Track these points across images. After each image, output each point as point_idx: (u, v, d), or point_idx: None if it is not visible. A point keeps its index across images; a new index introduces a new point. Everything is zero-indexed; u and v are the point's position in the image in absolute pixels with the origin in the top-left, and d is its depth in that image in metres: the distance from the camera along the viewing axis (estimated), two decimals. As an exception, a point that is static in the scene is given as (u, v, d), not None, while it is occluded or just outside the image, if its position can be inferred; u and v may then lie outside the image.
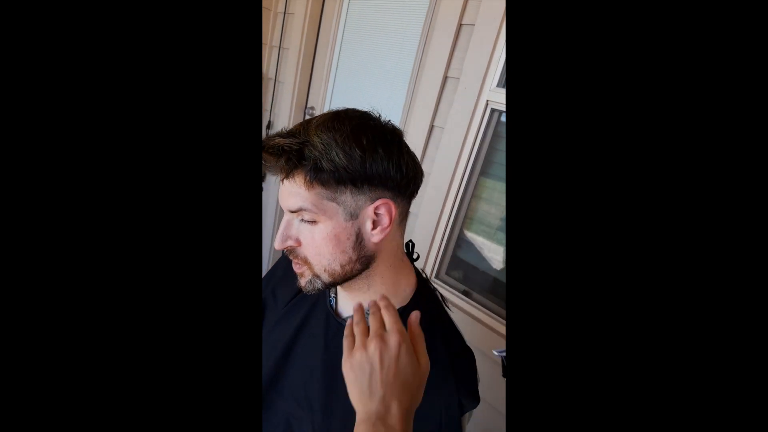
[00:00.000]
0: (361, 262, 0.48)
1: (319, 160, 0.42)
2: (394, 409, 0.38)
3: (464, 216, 1.19)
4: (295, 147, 0.42)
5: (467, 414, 0.49)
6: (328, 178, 0.43)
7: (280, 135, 0.45)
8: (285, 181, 0.45)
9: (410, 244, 0.59)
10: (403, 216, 0.51)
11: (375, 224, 0.46)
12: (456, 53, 1.14)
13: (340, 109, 0.47)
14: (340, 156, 0.42)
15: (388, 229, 0.46)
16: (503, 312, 1.11)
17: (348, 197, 0.45)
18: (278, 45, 1.68)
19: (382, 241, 0.47)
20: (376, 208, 0.45)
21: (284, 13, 1.64)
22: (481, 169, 1.14)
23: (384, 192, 0.46)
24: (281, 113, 1.74)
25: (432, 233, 1.21)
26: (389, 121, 0.49)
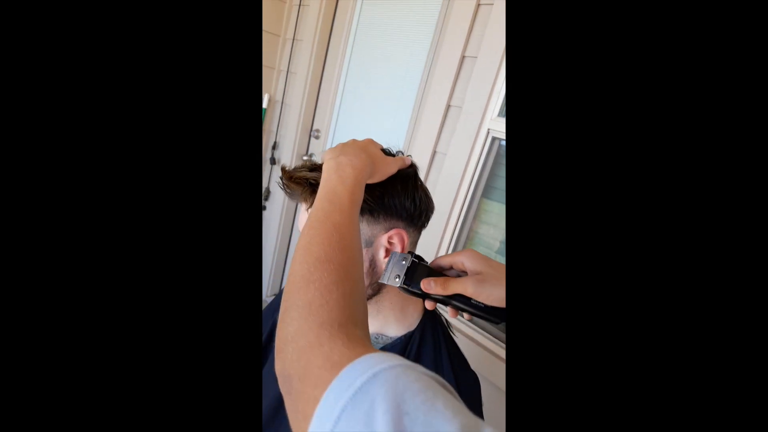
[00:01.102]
0: (372, 288, 0.51)
1: None
2: (359, 155, 0.43)
3: (465, 240, 1.22)
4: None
5: (472, 437, 0.51)
6: None
7: (306, 168, 0.49)
8: (308, 210, 0.48)
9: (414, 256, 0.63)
10: (414, 245, 0.53)
11: (388, 252, 0.49)
12: (458, 83, 1.18)
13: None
14: None
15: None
16: (502, 335, 1.13)
17: (364, 226, 0.48)
18: (286, 69, 1.74)
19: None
20: (390, 237, 0.48)
21: (293, 39, 1.70)
22: (481, 195, 1.18)
23: (398, 222, 0.49)
24: (287, 134, 1.79)
25: (434, 256, 1.24)
26: (409, 155, 0.53)
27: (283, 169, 0.50)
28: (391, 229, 0.49)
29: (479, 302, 0.44)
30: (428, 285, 0.45)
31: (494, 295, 0.43)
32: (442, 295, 0.45)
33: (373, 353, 0.24)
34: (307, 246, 0.34)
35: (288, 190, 0.49)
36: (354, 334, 0.28)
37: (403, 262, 0.46)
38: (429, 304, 0.49)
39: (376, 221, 0.48)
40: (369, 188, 0.46)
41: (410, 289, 0.46)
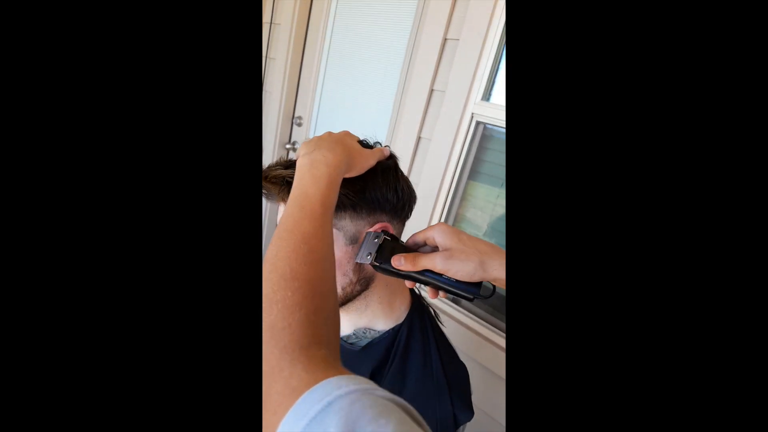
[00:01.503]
0: (360, 284, 0.51)
1: None
2: (334, 149, 0.42)
3: (453, 223, 1.23)
4: None
5: (461, 427, 0.52)
6: None
7: (280, 165, 0.47)
8: None
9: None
10: (398, 236, 0.53)
11: None
12: (441, 67, 1.17)
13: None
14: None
15: None
16: (491, 318, 1.15)
17: (348, 222, 0.47)
18: (265, 55, 1.69)
19: None
20: (375, 231, 0.48)
21: (270, 23, 1.65)
22: (467, 179, 1.18)
23: (381, 216, 0.49)
24: (269, 122, 1.75)
25: (421, 242, 1.24)
26: (386, 146, 0.52)
27: None
28: (375, 223, 0.48)
29: (450, 278, 0.44)
30: (398, 261, 0.45)
31: (463, 270, 0.43)
32: (413, 272, 0.45)
33: (331, 378, 0.25)
34: (273, 261, 0.33)
35: (264, 191, 0.47)
36: (316, 356, 0.28)
37: (376, 240, 0.47)
38: (408, 284, 0.50)
39: (360, 216, 0.48)
40: (349, 183, 0.45)
41: (382, 266, 0.46)
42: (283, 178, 0.45)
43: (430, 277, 0.45)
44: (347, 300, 0.51)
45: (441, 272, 0.44)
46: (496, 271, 0.42)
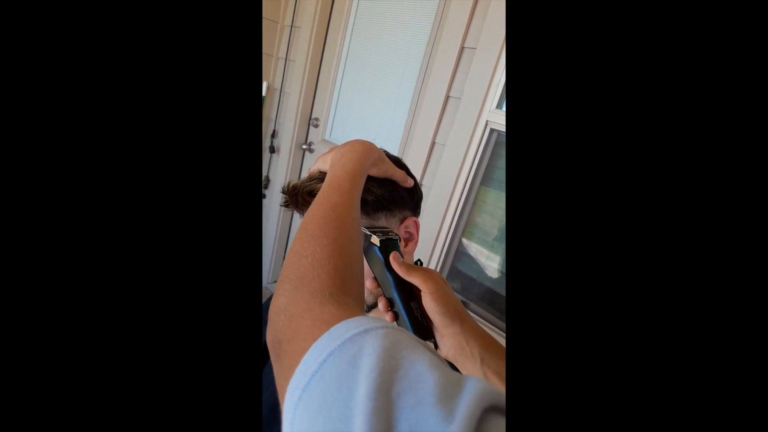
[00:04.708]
0: None
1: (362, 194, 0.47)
2: (362, 142, 0.47)
3: (463, 229, 1.25)
4: None
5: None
6: (369, 208, 0.50)
7: (317, 178, 0.49)
8: None
9: (419, 262, 0.65)
10: None
11: (406, 241, 0.53)
12: (458, 74, 1.19)
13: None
14: (376, 187, 0.49)
15: (416, 242, 0.53)
16: (498, 322, 1.17)
17: (384, 222, 0.52)
18: (285, 57, 1.73)
19: (410, 254, 0.54)
20: (406, 226, 0.53)
21: (291, 26, 1.69)
22: (479, 185, 1.20)
23: (406, 212, 0.54)
24: (286, 123, 1.79)
25: (432, 245, 1.27)
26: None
27: (294, 186, 0.49)
28: (405, 219, 0.53)
29: (416, 309, 0.41)
30: (396, 258, 0.43)
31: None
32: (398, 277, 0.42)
33: (364, 316, 0.25)
34: (305, 225, 0.35)
35: (305, 208, 0.49)
36: (345, 302, 0.28)
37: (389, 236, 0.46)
38: (369, 284, 0.46)
39: (392, 214, 0.52)
40: (381, 184, 0.50)
41: (380, 250, 0.44)
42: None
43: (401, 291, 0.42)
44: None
45: (430, 292, 0.40)
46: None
